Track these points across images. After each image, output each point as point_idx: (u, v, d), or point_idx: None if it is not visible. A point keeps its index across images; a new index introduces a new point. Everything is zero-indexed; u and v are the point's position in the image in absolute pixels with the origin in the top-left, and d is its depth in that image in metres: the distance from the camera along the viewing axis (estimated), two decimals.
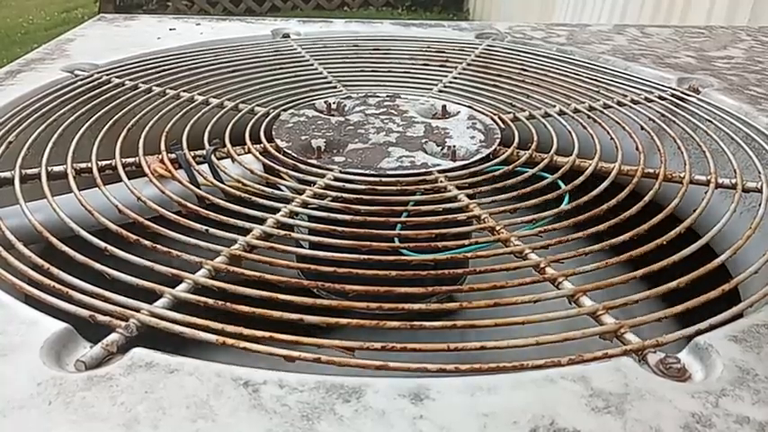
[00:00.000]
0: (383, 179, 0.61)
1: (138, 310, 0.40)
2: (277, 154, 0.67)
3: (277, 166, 0.65)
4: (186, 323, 0.40)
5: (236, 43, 1.01)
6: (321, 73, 0.91)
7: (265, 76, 0.87)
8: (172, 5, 5.01)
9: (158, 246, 0.48)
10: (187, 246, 0.49)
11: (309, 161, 0.64)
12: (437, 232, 0.53)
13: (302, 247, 0.52)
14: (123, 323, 0.39)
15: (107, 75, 0.84)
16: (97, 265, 0.45)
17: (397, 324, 0.41)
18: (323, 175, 0.62)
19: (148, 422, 0.32)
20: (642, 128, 0.74)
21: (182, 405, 0.33)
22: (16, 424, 0.32)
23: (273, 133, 0.71)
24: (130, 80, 0.83)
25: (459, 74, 0.92)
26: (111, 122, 0.71)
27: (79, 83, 0.81)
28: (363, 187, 0.59)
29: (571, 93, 0.85)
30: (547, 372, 0.37)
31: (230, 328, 0.39)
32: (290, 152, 0.66)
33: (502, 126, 0.74)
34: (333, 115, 0.76)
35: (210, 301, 0.42)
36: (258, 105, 0.80)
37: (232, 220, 0.53)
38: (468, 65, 0.95)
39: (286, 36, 1.07)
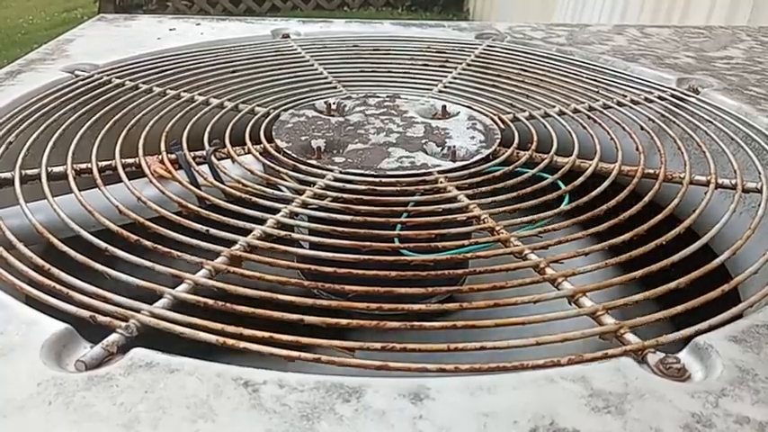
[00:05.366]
0: (383, 179, 0.61)
1: (138, 311, 0.40)
2: (277, 154, 0.67)
3: (277, 167, 0.65)
4: (186, 323, 0.40)
5: (237, 43, 1.01)
6: (321, 73, 0.91)
7: (265, 77, 0.87)
8: (172, 5, 5.01)
9: (159, 246, 0.48)
10: (187, 246, 0.49)
11: (309, 161, 0.65)
12: (437, 232, 0.53)
13: (302, 247, 0.52)
14: (123, 323, 0.39)
15: (107, 75, 0.84)
16: (97, 266, 0.45)
17: (397, 324, 0.41)
18: (323, 176, 0.62)
19: (148, 422, 0.32)
20: (642, 128, 0.74)
21: (182, 405, 0.33)
22: (16, 424, 0.32)
23: (273, 134, 0.71)
24: (131, 80, 0.83)
25: (459, 74, 0.92)
26: (111, 123, 0.71)
27: (79, 83, 0.81)
28: (363, 188, 0.60)
29: (571, 93, 0.85)
30: (547, 372, 0.37)
31: (230, 329, 0.39)
32: (290, 152, 0.66)
33: (502, 126, 0.74)
34: (333, 115, 0.76)
35: (210, 301, 0.42)
36: (258, 106, 0.80)
37: (232, 221, 0.53)
38: (468, 65, 0.95)
39: (286, 36, 1.07)
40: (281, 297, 0.43)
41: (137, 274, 0.44)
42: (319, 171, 0.63)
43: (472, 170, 0.64)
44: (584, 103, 0.82)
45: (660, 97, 0.83)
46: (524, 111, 0.80)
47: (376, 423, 0.33)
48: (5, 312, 0.40)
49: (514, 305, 0.43)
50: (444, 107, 0.78)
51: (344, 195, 0.58)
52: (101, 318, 0.40)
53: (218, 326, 0.39)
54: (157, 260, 0.46)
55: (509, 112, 0.79)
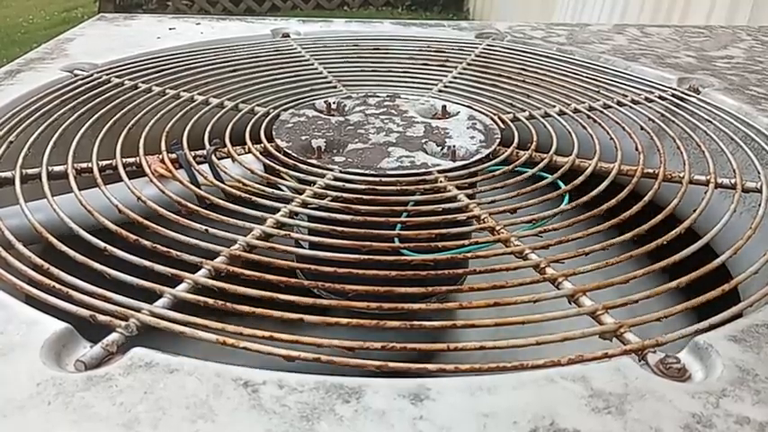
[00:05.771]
0: (383, 179, 0.61)
1: (138, 310, 0.40)
2: (277, 154, 0.67)
3: (277, 166, 0.65)
4: (186, 323, 0.40)
5: (236, 43, 1.01)
6: (321, 73, 0.91)
7: (265, 76, 0.87)
8: (172, 5, 5.01)
9: (158, 246, 0.48)
10: (187, 246, 0.49)
11: (309, 161, 0.64)
12: (437, 232, 0.53)
13: (302, 247, 0.52)
14: (123, 323, 0.39)
15: (107, 74, 0.84)
16: (97, 265, 0.45)
17: (397, 324, 0.41)
18: (323, 175, 0.62)
19: (148, 422, 0.32)
20: (642, 128, 0.74)
21: (181, 405, 0.33)
22: (16, 424, 0.32)
23: (273, 133, 0.70)
24: (130, 80, 0.83)
25: (459, 74, 0.92)
26: (111, 122, 0.71)
27: (79, 82, 0.81)
28: (363, 187, 0.59)
29: (571, 93, 0.85)
30: (547, 372, 0.37)
31: (230, 328, 0.39)
32: (290, 152, 0.66)
33: (502, 126, 0.74)
34: (333, 115, 0.76)
35: (210, 300, 0.42)
36: (258, 105, 0.79)
37: (232, 220, 0.53)
38: (468, 65, 0.95)
39: (286, 36, 1.07)
40: (281, 297, 0.42)
41: (137, 274, 0.44)
42: (319, 170, 0.63)
43: (472, 170, 0.64)
44: (584, 102, 0.82)
45: (661, 97, 0.83)
46: (524, 110, 0.80)
47: (376, 423, 0.33)
48: (5, 312, 0.40)
49: (514, 305, 0.43)
50: (444, 107, 0.78)
51: (344, 195, 0.58)
52: (101, 317, 0.40)
53: (219, 325, 0.39)
54: (157, 259, 0.46)
55: (509, 112, 0.79)
